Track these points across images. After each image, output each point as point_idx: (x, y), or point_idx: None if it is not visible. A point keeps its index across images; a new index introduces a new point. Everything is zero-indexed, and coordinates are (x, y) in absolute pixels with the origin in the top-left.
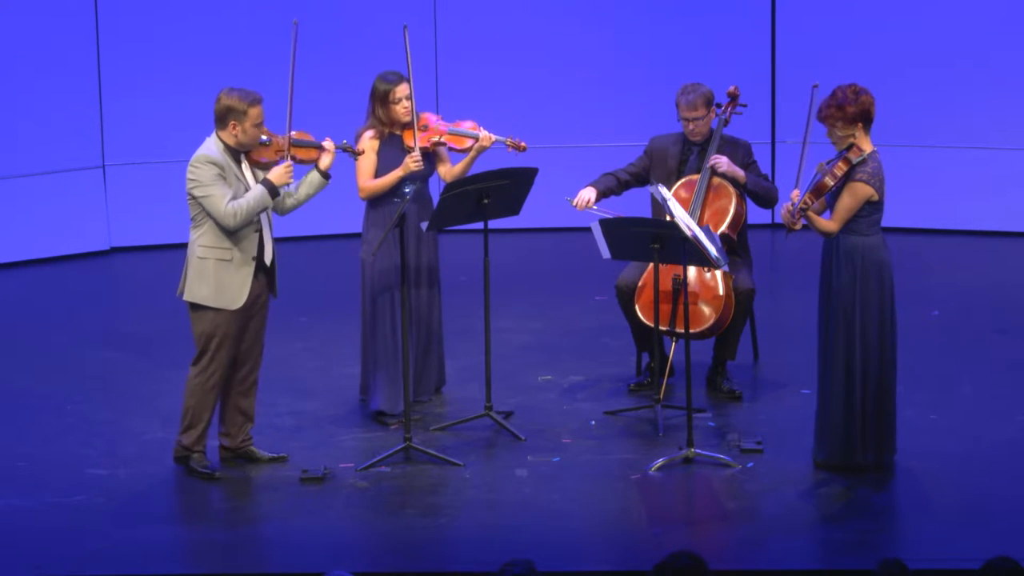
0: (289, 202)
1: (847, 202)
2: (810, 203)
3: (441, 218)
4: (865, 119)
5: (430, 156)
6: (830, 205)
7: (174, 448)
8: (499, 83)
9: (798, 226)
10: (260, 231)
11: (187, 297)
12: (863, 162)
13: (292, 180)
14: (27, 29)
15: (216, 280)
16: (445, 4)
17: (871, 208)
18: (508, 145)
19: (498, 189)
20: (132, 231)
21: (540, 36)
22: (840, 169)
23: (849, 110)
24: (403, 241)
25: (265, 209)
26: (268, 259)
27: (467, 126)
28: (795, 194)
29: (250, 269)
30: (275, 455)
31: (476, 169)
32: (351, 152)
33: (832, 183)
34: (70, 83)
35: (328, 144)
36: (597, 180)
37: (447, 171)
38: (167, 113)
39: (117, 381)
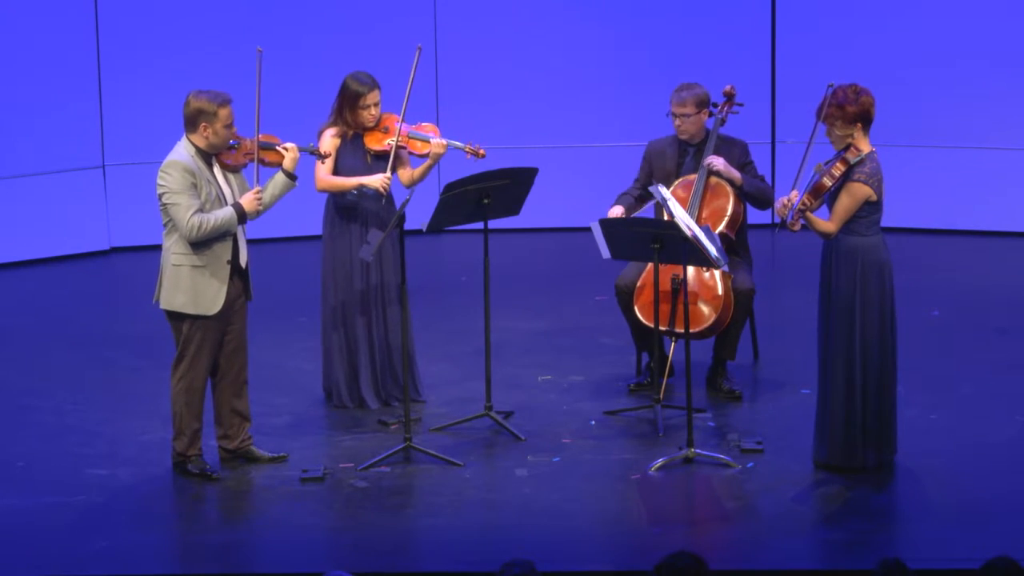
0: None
1: (845, 203)
2: (809, 204)
3: (441, 218)
4: (865, 119)
5: (386, 162)
6: (829, 205)
7: (171, 455)
8: (499, 83)
9: (797, 227)
10: (234, 234)
11: (164, 305)
12: (861, 162)
13: (261, 208)
14: (27, 29)
15: (192, 287)
16: (445, 4)
17: (870, 208)
18: (467, 152)
19: (498, 189)
20: (132, 231)
21: (540, 36)
22: (838, 169)
23: (849, 110)
24: (402, 242)
25: (229, 231)
26: (243, 262)
27: (427, 130)
28: (794, 194)
29: (225, 274)
30: (275, 455)
31: (475, 170)
32: (317, 154)
33: (830, 183)
34: (70, 83)
35: (291, 146)
36: (619, 200)
37: (407, 175)
38: (167, 113)
39: (117, 381)
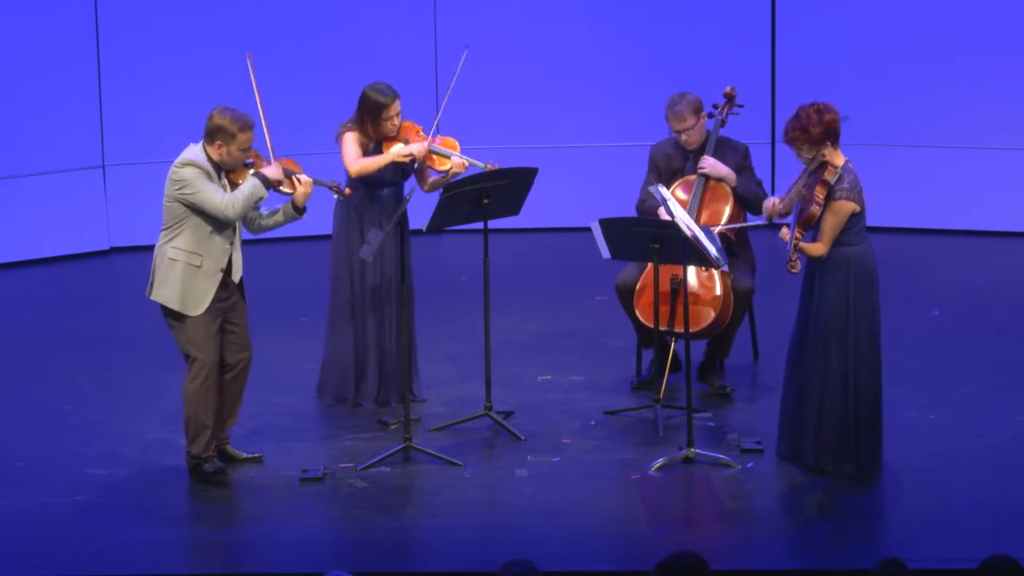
0: (262, 223)
1: (832, 222)
2: (800, 236)
3: (441, 218)
4: (832, 136)
5: (407, 165)
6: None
7: (186, 459)
8: (499, 83)
9: (797, 267)
10: (231, 245)
11: (153, 296)
12: (839, 179)
13: (283, 177)
14: (27, 29)
15: (183, 284)
16: (445, 4)
17: (855, 219)
18: (487, 171)
19: (498, 189)
20: (132, 231)
21: (540, 36)
22: (820, 195)
23: (814, 131)
24: (402, 242)
25: (260, 200)
26: (236, 276)
27: (449, 145)
28: (784, 232)
29: (217, 279)
30: (251, 455)
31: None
32: (336, 191)
33: (819, 211)
34: (70, 83)
35: (307, 180)
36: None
37: (425, 187)
38: (167, 113)
39: (117, 381)
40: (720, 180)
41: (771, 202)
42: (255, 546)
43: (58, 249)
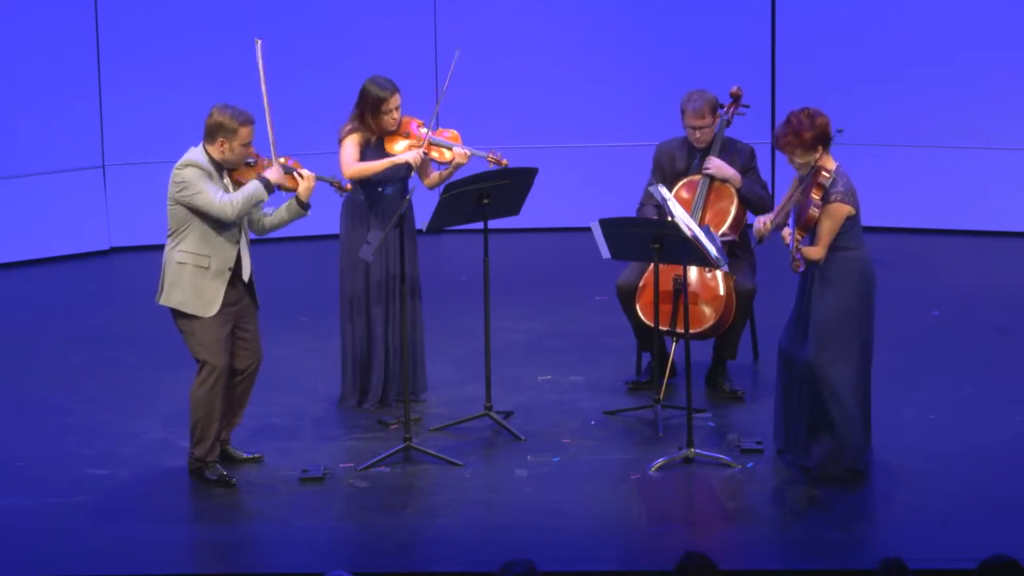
0: (266, 223)
1: (828, 226)
2: (800, 238)
3: (441, 218)
4: (824, 141)
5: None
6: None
7: (188, 461)
8: (499, 83)
9: (803, 266)
10: (238, 244)
11: (163, 301)
12: (833, 183)
13: (285, 179)
14: (27, 29)
15: (192, 286)
16: (445, 4)
17: (852, 222)
18: (489, 160)
19: (498, 189)
20: (132, 231)
21: (540, 36)
22: (817, 196)
23: (807, 136)
24: (402, 241)
25: (259, 203)
26: (245, 274)
27: (448, 137)
28: (786, 232)
29: (225, 278)
30: (251, 455)
31: (476, 170)
32: (337, 187)
33: (817, 213)
34: (70, 83)
35: (309, 175)
36: (643, 214)
37: (428, 182)
38: (167, 113)
39: (117, 381)
40: (725, 181)
41: (761, 224)
42: (255, 546)
43: (58, 249)
